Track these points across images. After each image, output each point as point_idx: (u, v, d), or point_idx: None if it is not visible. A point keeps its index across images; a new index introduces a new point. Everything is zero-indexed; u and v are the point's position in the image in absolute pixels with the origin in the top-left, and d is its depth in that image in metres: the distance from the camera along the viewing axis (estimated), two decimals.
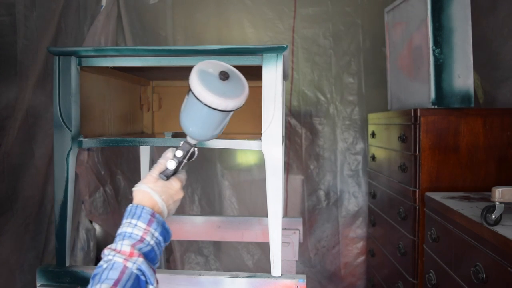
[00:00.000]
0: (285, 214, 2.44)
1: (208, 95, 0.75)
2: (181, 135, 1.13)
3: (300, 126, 2.47)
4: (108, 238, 2.66)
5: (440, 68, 1.58)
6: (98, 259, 2.58)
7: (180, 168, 0.86)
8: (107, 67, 1.20)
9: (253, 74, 1.36)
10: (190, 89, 0.77)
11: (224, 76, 0.78)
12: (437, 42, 1.58)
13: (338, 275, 2.47)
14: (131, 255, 0.72)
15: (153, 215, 0.77)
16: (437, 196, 1.45)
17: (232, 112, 0.80)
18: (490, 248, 1.03)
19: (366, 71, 2.43)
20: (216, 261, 2.54)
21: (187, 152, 0.85)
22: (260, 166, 2.47)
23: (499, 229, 1.01)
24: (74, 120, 1.07)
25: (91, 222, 2.45)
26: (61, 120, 1.06)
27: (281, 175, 1.04)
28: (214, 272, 1.09)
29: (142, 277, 0.71)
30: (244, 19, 2.45)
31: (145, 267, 0.72)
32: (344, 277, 2.47)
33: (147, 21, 2.45)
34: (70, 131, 1.07)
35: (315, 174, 2.48)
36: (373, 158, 2.15)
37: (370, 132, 2.21)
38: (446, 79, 1.58)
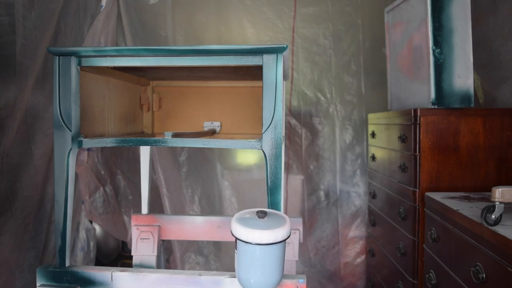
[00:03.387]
0: (285, 214, 2.44)
1: (255, 233, 0.75)
2: (181, 135, 1.13)
3: (300, 126, 2.47)
4: (108, 238, 2.67)
5: (440, 68, 1.58)
6: (98, 259, 2.59)
7: None
8: (107, 67, 1.20)
9: (253, 74, 1.36)
10: (236, 239, 0.77)
11: (262, 213, 0.79)
12: (437, 42, 1.58)
13: (338, 275, 2.47)
14: None
15: None
16: (437, 196, 1.45)
17: (284, 246, 0.79)
18: (490, 248, 1.03)
19: (366, 71, 2.43)
20: (216, 261, 2.54)
21: None
22: (260, 166, 2.47)
23: (499, 229, 1.01)
24: (74, 120, 1.07)
25: (91, 222, 2.45)
26: (61, 120, 1.06)
27: (281, 175, 1.04)
28: (214, 272, 1.09)
29: None
30: (244, 19, 2.45)
31: None
32: (344, 277, 2.47)
33: (147, 21, 2.45)
34: (70, 131, 1.07)
35: (315, 174, 2.48)
36: (373, 158, 2.15)
37: (370, 132, 2.21)
38: (446, 79, 1.58)
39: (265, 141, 1.03)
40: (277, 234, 0.76)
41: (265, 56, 1.02)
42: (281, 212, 0.83)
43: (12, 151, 1.68)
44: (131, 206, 2.49)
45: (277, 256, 0.78)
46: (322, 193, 2.48)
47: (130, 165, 2.48)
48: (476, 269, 1.07)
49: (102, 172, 2.37)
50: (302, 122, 2.47)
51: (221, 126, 1.67)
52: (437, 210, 1.39)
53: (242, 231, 0.76)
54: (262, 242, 0.76)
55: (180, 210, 2.44)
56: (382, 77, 2.21)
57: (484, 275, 1.04)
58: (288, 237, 0.78)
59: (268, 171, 1.04)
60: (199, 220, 1.68)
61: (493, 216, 1.04)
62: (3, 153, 1.62)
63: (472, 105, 1.58)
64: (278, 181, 1.03)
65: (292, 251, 1.58)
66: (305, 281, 1.03)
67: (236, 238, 0.77)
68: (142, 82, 1.64)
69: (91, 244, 2.41)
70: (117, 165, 2.46)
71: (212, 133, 1.63)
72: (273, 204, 1.04)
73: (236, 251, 0.80)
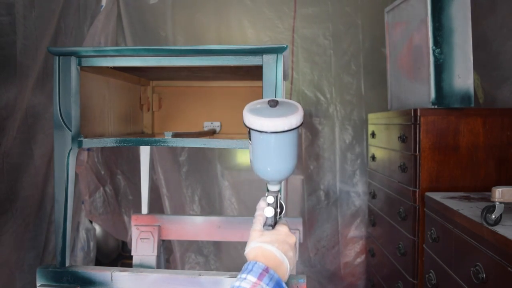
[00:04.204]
0: (285, 214, 2.44)
1: (269, 121, 0.73)
2: (181, 135, 1.13)
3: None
4: (108, 238, 2.67)
5: (440, 68, 1.58)
6: (98, 259, 2.59)
7: (278, 217, 0.83)
8: (107, 67, 1.20)
9: (253, 74, 1.36)
10: (250, 129, 0.76)
11: (273, 102, 0.77)
12: (437, 42, 1.58)
13: (338, 275, 2.47)
14: None
15: (266, 270, 0.71)
16: (437, 196, 1.45)
17: (298, 132, 0.77)
18: (490, 248, 1.03)
19: (366, 71, 2.43)
20: (216, 261, 2.54)
21: (276, 198, 0.81)
22: None
23: (499, 229, 1.01)
24: (74, 120, 1.07)
25: (91, 222, 2.45)
26: (61, 120, 1.06)
27: None
28: (214, 272, 1.09)
29: None
30: (244, 19, 2.45)
31: None
32: (344, 277, 2.47)
33: (147, 21, 2.45)
34: (70, 131, 1.07)
35: (315, 174, 2.48)
36: (373, 158, 2.15)
37: (370, 132, 2.21)
38: (446, 79, 1.58)
39: None
40: (292, 121, 0.74)
41: (265, 56, 1.02)
42: (292, 100, 0.81)
43: (12, 151, 1.68)
44: (131, 206, 2.50)
45: (292, 142, 0.76)
46: (322, 193, 2.48)
47: (130, 165, 2.48)
48: (476, 269, 1.07)
49: (102, 172, 2.37)
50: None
51: (221, 126, 1.67)
52: (437, 210, 1.39)
53: (256, 121, 0.73)
54: (278, 130, 0.73)
55: (180, 210, 2.44)
56: (382, 77, 2.21)
57: (484, 275, 1.04)
58: (302, 123, 0.77)
59: None
60: (199, 220, 1.68)
61: (493, 216, 1.04)
62: (3, 153, 1.63)
63: (472, 105, 1.58)
64: None
65: None
66: (305, 281, 1.03)
67: (250, 129, 0.75)
68: (142, 82, 1.64)
69: (91, 244, 2.41)
70: (117, 165, 2.46)
71: (212, 133, 1.63)
72: None
73: (249, 141, 0.77)
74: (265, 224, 0.80)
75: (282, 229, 0.79)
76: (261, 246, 0.75)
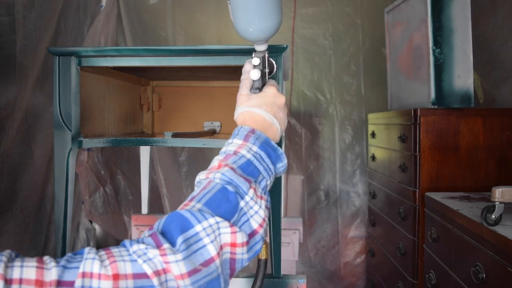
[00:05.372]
0: (285, 214, 2.44)
1: None
2: (181, 135, 1.13)
3: (300, 126, 2.47)
4: (108, 238, 2.66)
5: (440, 68, 1.58)
6: None
7: (266, 79, 0.80)
8: (107, 67, 1.20)
9: None
10: None
11: None
12: (437, 42, 1.58)
13: (338, 275, 2.47)
14: (218, 167, 0.63)
15: (252, 131, 0.69)
16: (437, 196, 1.45)
17: None
18: (490, 248, 1.03)
19: (366, 71, 2.43)
20: None
21: (263, 59, 0.79)
22: None
23: (499, 229, 1.01)
24: (74, 120, 1.07)
25: (91, 222, 2.45)
26: (61, 120, 1.06)
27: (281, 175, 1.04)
28: None
29: (230, 187, 0.60)
30: None
31: (231, 175, 0.61)
32: (344, 277, 2.47)
33: (147, 21, 2.45)
34: (70, 131, 1.07)
35: (315, 174, 2.48)
36: (373, 158, 2.15)
37: (370, 132, 2.21)
38: (446, 79, 1.58)
39: None
40: None
41: None
42: None
43: (12, 151, 1.68)
44: (131, 206, 2.49)
45: None
46: (322, 193, 2.48)
47: (130, 165, 2.48)
48: (476, 269, 1.07)
49: (102, 172, 2.37)
50: (302, 122, 2.47)
51: (221, 126, 1.67)
52: (437, 210, 1.39)
53: None
54: None
55: None
56: (381, 77, 2.21)
57: (484, 275, 1.04)
58: None
59: None
60: None
61: (493, 216, 1.04)
62: (3, 153, 1.63)
63: (472, 105, 1.58)
64: (278, 181, 1.03)
65: (292, 251, 1.58)
66: (305, 281, 1.03)
67: None
68: (142, 82, 1.64)
69: (91, 244, 2.41)
70: (117, 165, 2.46)
71: (212, 133, 1.63)
72: (273, 204, 1.04)
73: (228, 2, 0.75)
74: (252, 88, 0.77)
75: (269, 91, 0.76)
76: (249, 110, 0.73)
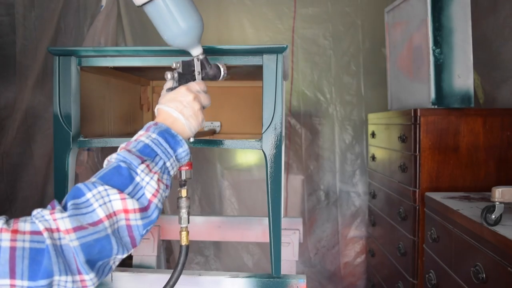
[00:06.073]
0: (285, 214, 2.44)
1: None
2: None
3: (300, 126, 2.47)
4: None
5: (440, 68, 1.58)
6: None
7: (192, 79, 0.88)
8: (107, 67, 1.20)
9: (253, 74, 1.36)
10: (143, 5, 0.84)
11: None
12: (437, 42, 1.58)
13: (338, 275, 2.47)
14: (118, 151, 0.71)
15: (155, 124, 0.77)
16: (437, 196, 1.45)
17: None
18: (490, 248, 1.03)
19: (366, 71, 2.43)
20: (216, 261, 2.54)
21: (192, 62, 0.87)
22: (260, 166, 2.47)
23: (499, 229, 1.01)
24: (74, 120, 1.07)
25: None
26: (61, 120, 1.06)
27: (281, 175, 1.04)
28: (214, 272, 1.09)
29: (123, 164, 0.67)
30: (244, 19, 2.45)
31: (125, 154, 0.69)
32: (344, 277, 2.47)
33: (147, 21, 2.43)
34: (70, 131, 1.07)
35: (315, 174, 2.48)
36: (373, 158, 2.15)
37: (370, 132, 2.21)
38: (446, 79, 1.58)
39: (265, 141, 1.03)
40: None
41: (265, 56, 1.02)
42: None
43: (12, 151, 1.68)
44: None
45: (177, 2, 0.83)
46: (322, 193, 2.48)
47: None
48: (476, 269, 1.07)
49: None
50: (302, 122, 2.47)
51: (221, 126, 1.67)
52: (437, 210, 1.39)
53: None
54: None
55: None
56: (381, 77, 2.21)
57: (484, 275, 1.04)
58: None
59: (268, 171, 1.04)
60: (199, 220, 1.68)
61: (493, 216, 1.04)
62: (3, 153, 1.63)
63: (472, 105, 1.58)
64: (278, 181, 1.04)
65: (292, 251, 1.58)
66: (305, 281, 1.03)
67: (143, 5, 0.85)
68: (142, 82, 1.64)
69: None
70: None
71: (212, 133, 1.63)
72: (273, 204, 1.04)
73: (151, 19, 0.86)
74: (168, 89, 0.86)
75: (179, 90, 0.84)
76: (158, 107, 0.82)
